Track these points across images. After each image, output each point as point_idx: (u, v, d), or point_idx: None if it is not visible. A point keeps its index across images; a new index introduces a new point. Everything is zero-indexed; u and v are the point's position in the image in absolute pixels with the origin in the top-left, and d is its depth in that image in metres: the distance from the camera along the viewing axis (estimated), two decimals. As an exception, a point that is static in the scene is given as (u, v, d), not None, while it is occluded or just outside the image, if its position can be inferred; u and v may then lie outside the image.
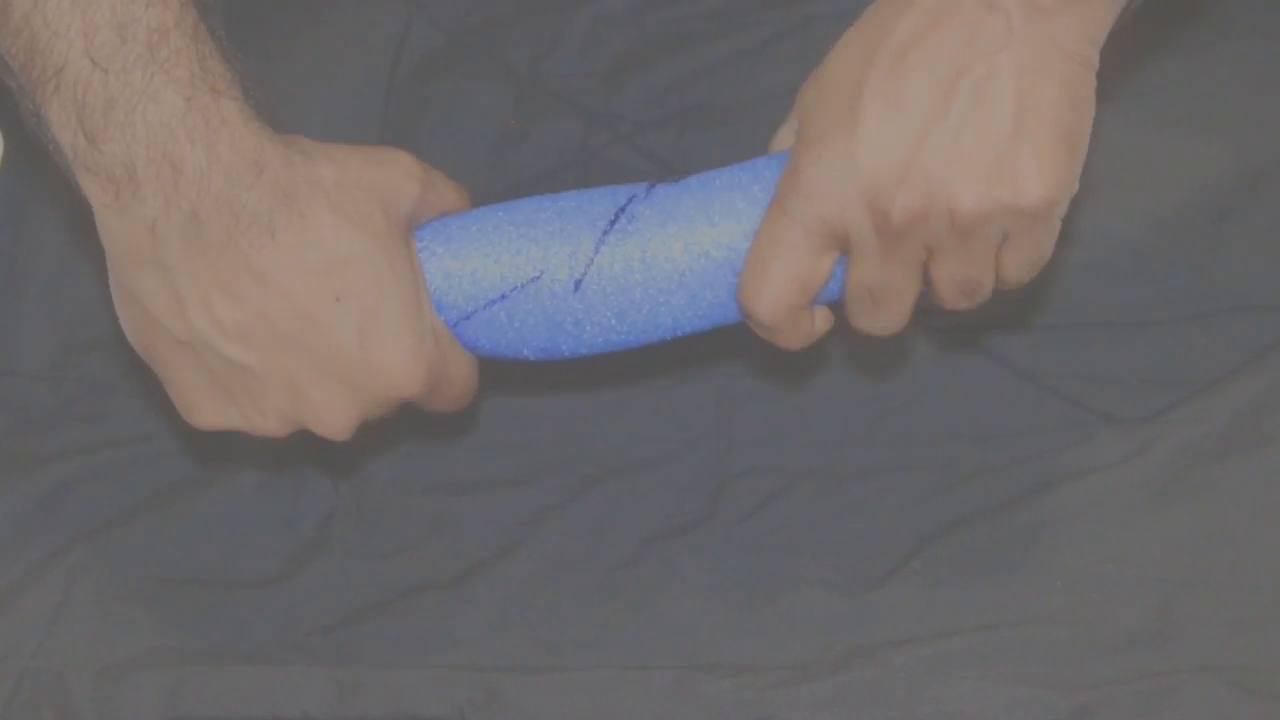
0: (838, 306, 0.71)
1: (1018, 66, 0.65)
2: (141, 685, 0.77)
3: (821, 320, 0.71)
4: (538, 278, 0.70)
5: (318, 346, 0.68)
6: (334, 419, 0.69)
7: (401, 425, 0.82)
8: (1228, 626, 0.76)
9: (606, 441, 0.84)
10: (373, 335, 0.68)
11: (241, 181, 0.66)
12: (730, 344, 0.85)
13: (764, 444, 0.83)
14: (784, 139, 0.72)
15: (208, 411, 0.70)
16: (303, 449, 0.78)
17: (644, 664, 0.77)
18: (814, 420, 0.84)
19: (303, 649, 0.78)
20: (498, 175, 0.90)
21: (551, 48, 0.94)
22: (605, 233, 0.70)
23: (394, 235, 0.69)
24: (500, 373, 0.85)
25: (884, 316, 0.70)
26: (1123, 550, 0.79)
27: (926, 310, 0.71)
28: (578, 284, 0.70)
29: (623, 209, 0.70)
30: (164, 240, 0.66)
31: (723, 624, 0.78)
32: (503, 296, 0.71)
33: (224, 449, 0.83)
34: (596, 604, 0.79)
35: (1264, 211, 0.87)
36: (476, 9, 0.95)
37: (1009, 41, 0.65)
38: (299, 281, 0.67)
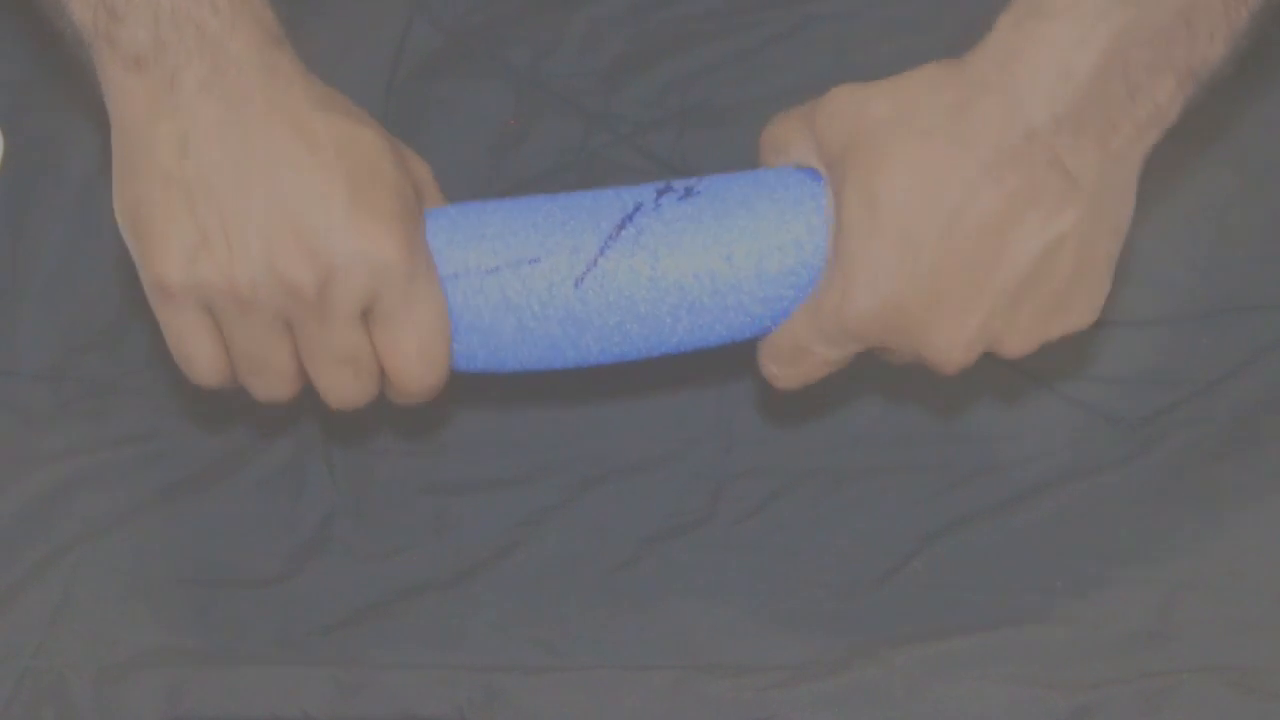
0: None
1: (1080, 226, 0.66)
2: (141, 685, 0.77)
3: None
4: (537, 260, 0.69)
5: (309, 196, 0.66)
6: (301, 276, 0.66)
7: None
8: (1228, 626, 0.76)
9: (606, 441, 0.84)
10: (362, 203, 0.66)
11: (266, 48, 0.67)
12: (730, 345, 0.85)
13: (764, 444, 0.83)
14: (788, 138, 0.72)
15: (178, 257, 0.66)
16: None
17: (644, 664, 0.77)
18: (814, 420, 0.84)
19: (303, 649, 0.78)
20: (498, 175, 0.90)
21: (551, 48, 0.94)
22: (611, 238, 0.69)
23: (396, 146, 0.69)
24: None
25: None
26: (1124, 551, 0.79)
27: None
28: (579, 281, 0.69)
29: (629, 217, 0.69)
30: (184, 87, 0.66)
31: (723, 624, 0.78)
32: (497, 269, 0.69)
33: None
34: (596, 604, 0.79)
35: (1264, 211, 0.87)
36: (476, 9, 0.95)
37: (1073, 201, 0.65)
38: (320, 128, 0.67)
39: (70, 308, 0.88)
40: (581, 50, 0.94)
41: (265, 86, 0.67)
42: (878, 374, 0.84)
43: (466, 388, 0.86)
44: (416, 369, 0.69)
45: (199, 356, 0.69)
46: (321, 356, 0.68)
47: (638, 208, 0.69)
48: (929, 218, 0.65)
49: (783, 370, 0.71)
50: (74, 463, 0.84)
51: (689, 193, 0.70)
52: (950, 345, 0.68)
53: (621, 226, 0.69)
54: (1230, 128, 0.89)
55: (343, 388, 0.70)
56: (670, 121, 0.91)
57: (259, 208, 0.66)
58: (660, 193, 0.70)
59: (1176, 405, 0.82)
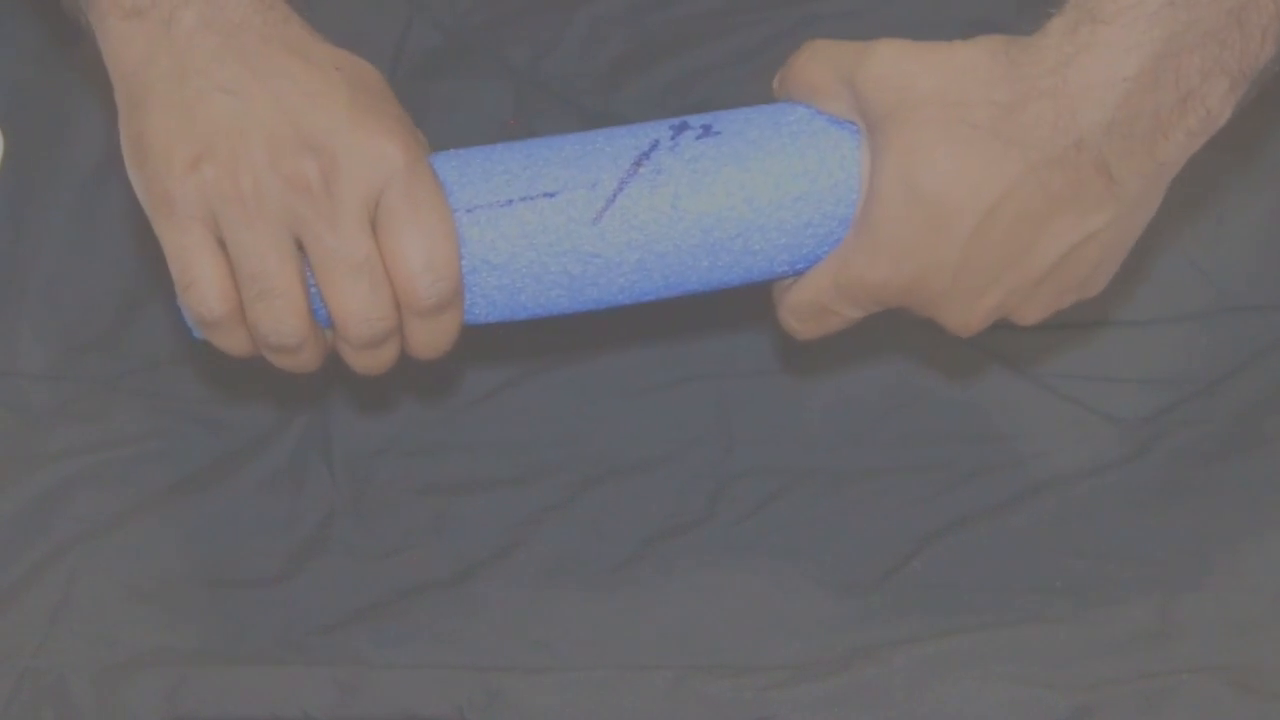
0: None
1: (1113, 224, 0.66)
2: (141, 685, 0.77)
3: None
4: (554, 194, 0.68)
5: (309, 101, 0.66)
6: (306, 172, 0.66)
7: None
8: (1228, 627, 0.76)
9: (606, 441, 0.84)
10: (363, 107, 0.66)
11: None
12: (731, 345, 0.85)
13: (764, 444, 0.83)
14: (822, 78, 0.70)
15: (186, 163, 0.66)
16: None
17: (644, 664, 0.77)
18: (814, 420, 0.84)
19: (303, 649, 0.78)
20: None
21: (551, 48, 0.94)
22: (630, 175, 0.68)
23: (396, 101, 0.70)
24: (501, 371, 0.85)
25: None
26: (1124, 551, 0.79)
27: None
28: (597, 217, 0.68)
29: (646, 154, 0.68)
30: (179, 24, 0.66)
31: (723, 624, 0.78)
32: (511, 201, 0.68)
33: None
34: (596, 604, 0.79)
35: (1264, 211, 0.87)
36: (476, 9, 0.95)
37: (1111, 202, 0.66)
38: (314, 49, 0.67)
39: (70, 308, 0.88)
40: (581, 50, 0.93)
41: (263, 19, 0.67)
42: (879, 370, 0.84)
43: (468, 385, 0.86)
44: (426, 277, 0.67)
45: (203, 279, 0.67)
46: (334, 266, 0.66)
47: (654, 145, 0.68)
48: (968, 210, 0.66)
49: (803, 325, 0.71)
50: (74, 463, 0.84)
51: (707, 131, 0.69)
52: (966, 317, 0.69)
53: (639, 164, 0.68)
54: (1230, 127, 0.89)
55: (359, 304, 0.67)
56: (670, 121, 0.91)
57: (260, 113, 0.65)
58: (676, 130, 0.69)
59: (1176, 405, 0.82)
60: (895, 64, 0.67)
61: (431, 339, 0.69)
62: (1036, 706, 0.75)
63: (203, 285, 0.67)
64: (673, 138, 0.69)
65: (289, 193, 0.65)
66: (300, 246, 0.67)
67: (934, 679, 0.76)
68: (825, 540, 0.80)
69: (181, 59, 0.66)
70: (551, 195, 0.68)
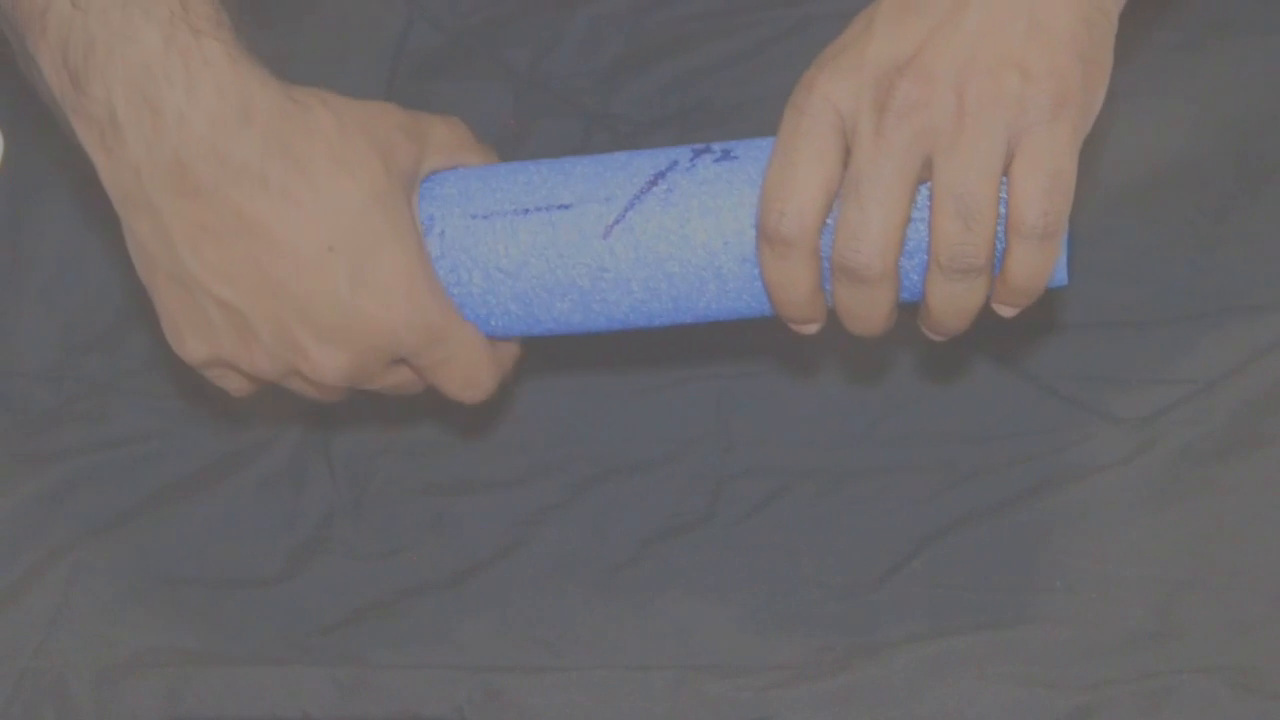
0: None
1: None
2: (141, 685, 0.77)
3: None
4: (568, 206, 0.68)
5: (308, 294, 0.66)
6: (323, 365, 0.68)
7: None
8: (1228, 626, 0.76)
9: (606, 441, 0.84)
10: (364, 284, 0.66)
11: (227, 129, 0.65)
12: (730, 345, 0.85)
13: (764, 444, 0.83)
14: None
15: (193, 344, 0.68)
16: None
17: (644, 664, 0.77)
18: (814, 420, 0.84)
19: (303, 649, 0.78)
20: (498, 175, 0.91)
21: (551, 48, 0.94)
22: (642, 192, 0.68)
23: (393, 187, 0.67)
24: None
25: (870, 224, 0.65)
26: (1123, 550, 0.79)
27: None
28: (607, 231, 0.68)
29: (662, 174, 0.68)
30: (150, 183, 0.65)
31: (723, 624, 0.78)
32: (526, 211, 0.69)
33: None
34: (596, 604, 0.79)
35: (1264, 211, 0.87)
36: (476, 9, 0.95)
37: None
38: (291, 231, 0.65)
39: (70, 308, 0.88)
40: (581, 50, 0.93)
41: (226, 170, 0.65)
42: (878, 372, 0.84)
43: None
44: (466, 396, 0.71)
45: (231, 388, 0.72)
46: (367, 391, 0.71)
47: (672, 165, 0.68)
48: (931, 33, 0.64)
49: (795, 220, 0.65)
50: (74, 463, 0.84)
51: (726, 155, 0.69)
52: (898, 60, 0.64)
53: (654, 182, 0.68)
54: (1230, 127, 0.89)
55: (395, 395, 0.72)
56: (670, 121, 0.91)
57: (263, 324, 0.67)
58: (697, 153, 0.69)
59: (1176, 405, 0.82)
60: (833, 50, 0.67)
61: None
62: (1036, 706, 0.75)
63: (231, 390, 0.72)
64: (691, 159, 0.69)
65: (311, 387, 0.70)
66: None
67: (934, 679, 0.76)
68: (825, 540, 0.80)
69: (162, 226, 0.66)
70: (566, 207, 0.68)
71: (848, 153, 0.65)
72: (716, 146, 0.69)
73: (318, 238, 0.66)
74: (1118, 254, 0.86)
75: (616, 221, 0.68)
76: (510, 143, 0.91)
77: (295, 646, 0.78)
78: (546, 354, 0.84)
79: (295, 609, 0.80)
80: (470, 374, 0.70)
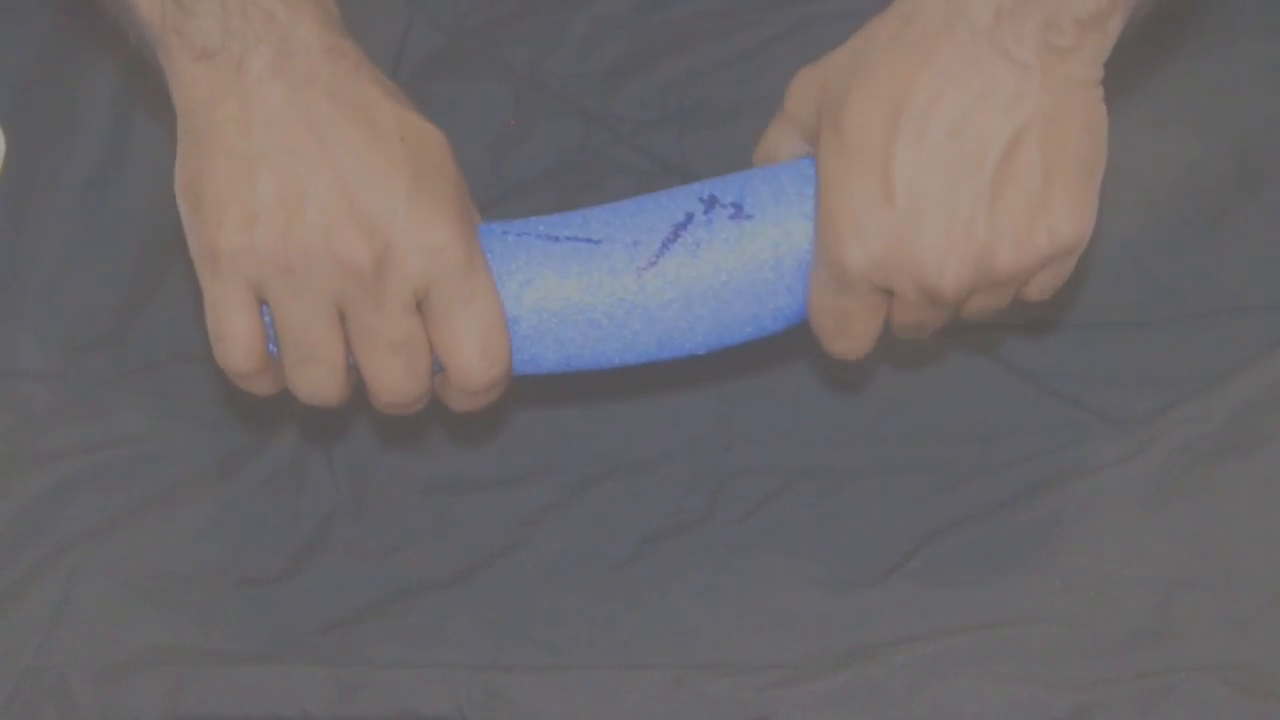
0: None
1: (1041, 117, 0.66)
2: (141, 685, 0.77)
3: None
4: (598, 242, 0.70)
5: (369, 180, 0.66)
6: (357, 248, 0.66)
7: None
8: (1227, 626, 0.76)
9: (606, 441, 0.84)
10: (423, 192, 0.67)
11: (330, 34, 0.67)
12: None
13: (764, 444, 0.83)
14: (779, 141, 0.72)
15: (234, 223, 0.66)
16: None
17: (644, 664, 0.77)
18: (814, 420, 0.84)
19: (303, 649, 0.78)
20: (498, 175, 0.91)
21: (551, 48, 0.94)
22: (669, 240, 0.70)
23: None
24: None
25: (922, 352, 0.73)
26: (1122, 550, 0.79)
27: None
28: (640, 272, 0.69)
29: (683, 225, 0.70)
30: (249, 70, 0.66)
31: (723, 624, 0.78)
32: (558, 239, 0.70)
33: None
34: (596, 604, 0.79)
35: (1264, 211, 0.87)
36: (476, 9, 0.95)
37: (1028, 92, 0.66)
38: (376, 105, 0.67)
39: (70, 308, 0.88)
40: (581, 50, 0.94)
41: (331, 71, 0.67)
42: (879, 370, 0.84)
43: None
44: (480, 364, 0.69)
45: (235, 335, 0.67)
46: (373, 343, 0.67)
47: (689, 218, 0.70)
48: (893, 133, 0.66)
49: (838, 341, 0.71)
50: (74, 463, 0.84)
51: (739, 212, 0.70)
52: (942, 259, 0.67)
53: (677, 233, 0.70)
54: (1230, 127, 0.89)
55: (394, 379, 0.68)
56: (670, 121, 0.91)
57: (320, 184, 0.66)
58: (708, 206, 0.70)
59: (1176, 405, 0.82)
60: (809, 71, 0.70)
61: (474, 405, 0.71)
62: (1036, 706, 0.75)
63: (234, 342, 0.68)
64: (705, 212, 0.70)
65: (339, 273, 0.66)
66: (342, 314, 0.68)
67: (934, 679, 0.76)
68: (825, 540, 0.80)
69: (248, 106, 0.66)
70: (596, 242, 0.70)
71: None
72: (725, 198, 0.71)
73: (398, 122, 0.67)
74: (1118, 254, 0.86)
75: (649, 265, 0.70)
76: (510, 143, 0.91)
77: (295, 646, 0.78)
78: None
79: (295, 609, 0.80)
80: (488, 333, 0.69)
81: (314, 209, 0.66)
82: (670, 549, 0.80)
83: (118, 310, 0.88)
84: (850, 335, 0.71)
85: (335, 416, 0.82)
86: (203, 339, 0.86)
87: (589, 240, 0.70)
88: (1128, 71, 0.90)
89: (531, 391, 0.85)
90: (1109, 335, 0.84)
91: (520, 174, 0.90)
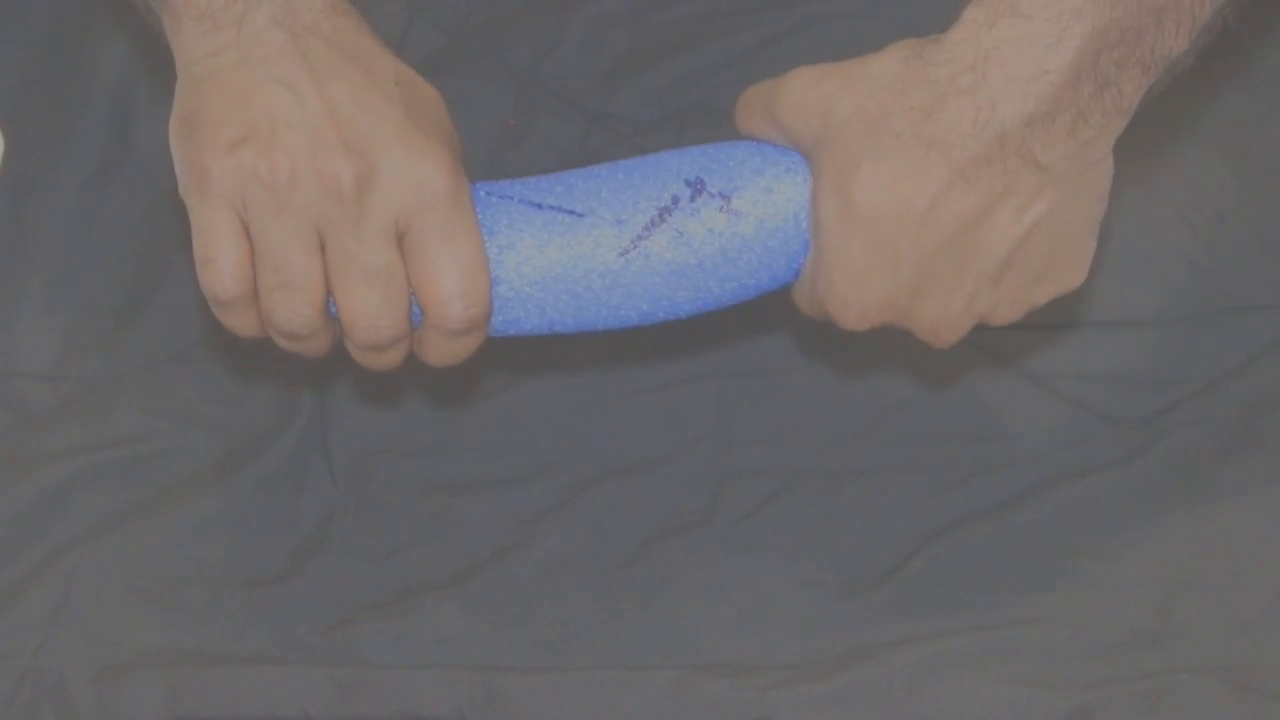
0: None
1: (1056, 208, 0.66)
2: (141, 685, 0.77)
3: None
4: (583, 215, 0.70)
5: (365, 100, 0.67)
6: (343, 166, 0.66)
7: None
8: (1227, 626, 0.76)
9: (606, 441, 0.84)
10: (417, 125, 0.67)
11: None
12: (731, 344, 0.85)
13: (764, 444, 0.83)
14: (752, 129, 0.72)
15: (230, 127, 0.66)
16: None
17: (644, 664, 0.77)
18: (814, 420, 0.84)
19: (303, 649, 0.78)
20: (497, 175, 0.90)
21: (551, 48, 0.94)
22: (653, 223, 0.70)
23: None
24: (501, 371, 0.85)
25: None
26: (1123, 550, 0.79)
27: None
28: (623, 252, 0.70)
29: (668, 209, 0.70)
30: (250, 22, 0.66)
31: (723, 624, 0.78)
32: (541, 206, 0.70)
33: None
34: (596, 604, 0.79)
35: (1264, 211, 0.87)
36: (476, 9, 0.95)
37: (1046, 191, 0.66)
38: (374, 55, 0.68)
39: (70, 308, 0.88)
40: (581, 50, 0.94)
41: (333, 25, 0.67)
42: (879, 370, 0.84)
43: (469, 386, 0.86)
44: (459, 302, 0.68)
45: (222, 259, 0.67)
46: (351, 270, 0.67)
47: (675, 201, 0.70)
48: (905, 220, 0.66)
49: (864, 327, 0.72)
50: (74, 463, 0.84)
51: (726, 205, 0.70)
52: (936, 326, 0.69)
53: (662, 217, 0.70)
54: (1229, 127, 0.89)
55: (370, 312, 0.68)
56: (670, 121, 0.91)
57: (310, 110, 0.66)
58: (695, 191, 0.70)
59: (1176, 405, 0.82)
60: (811, 91, 0.68)
61: (452, 353, 0.70)
62: (1036, 706, 0.75)
63: (221, 265, 0.67)
64: (691, 198, 0.70)
65: (321, 191, 0.66)
66: (322, 245, 0.67)
67: (934, 679, 0.76)
68: (825, 540, 0.80)
69: (247, 51, 0.66)
70: (580, 215, 0.70)
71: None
72: (714, 188, 0.70)
73: (392, 71, 0.68)
74: (1118, 254, 0.86)
75: (632, 246, 0.70)
76: (510, 143, 0.91)
77: (295, 646, 0.78)
78: (547, 354, 0.84)
79: (295, 609, 0.80)
80: (469, 272, 0.68)
81: (302, 131, 0.66)
82: (670, 549, 0.80)
83: (117, 310, 0.88)
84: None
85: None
86: (203, 339, 0.86)
87: (572, 212, 0.70)
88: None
89: (532, 391, 0.85)
90: (1109, 335, 0.84)
91: (520, 173, 0.89)
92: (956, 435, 0.83)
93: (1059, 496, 0.81)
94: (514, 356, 0.85)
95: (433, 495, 0.83)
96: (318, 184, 0.66)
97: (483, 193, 0.70)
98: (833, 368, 0.85)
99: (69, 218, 0.90)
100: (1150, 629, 0.76)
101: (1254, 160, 0.88)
